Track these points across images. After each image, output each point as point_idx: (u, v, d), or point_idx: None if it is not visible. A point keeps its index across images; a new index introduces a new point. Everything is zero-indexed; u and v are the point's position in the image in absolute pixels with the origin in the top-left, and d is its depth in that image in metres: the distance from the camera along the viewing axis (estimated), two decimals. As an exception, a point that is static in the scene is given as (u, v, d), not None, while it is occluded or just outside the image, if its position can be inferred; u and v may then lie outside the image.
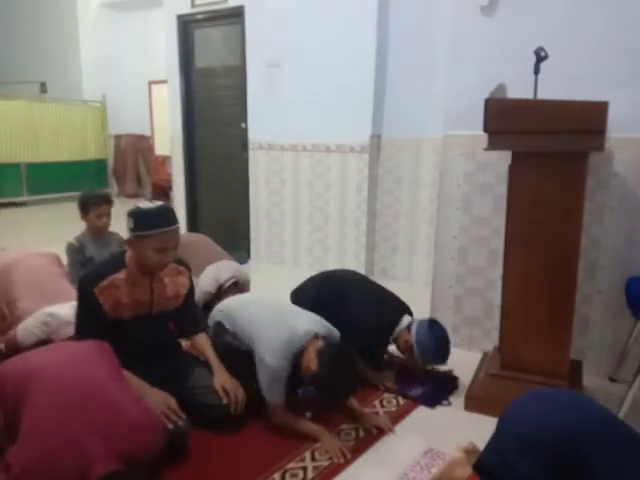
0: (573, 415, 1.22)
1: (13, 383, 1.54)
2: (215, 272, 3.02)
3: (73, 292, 2.58)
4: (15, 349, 2.22)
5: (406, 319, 2.48)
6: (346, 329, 2.24)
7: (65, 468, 1.37)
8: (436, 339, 2.37)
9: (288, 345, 2.02)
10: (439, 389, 2.42)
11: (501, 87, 2.22)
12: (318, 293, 2.62)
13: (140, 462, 1.52)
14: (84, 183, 8.61)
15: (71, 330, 2.26)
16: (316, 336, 2.08)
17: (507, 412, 1.31)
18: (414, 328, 2.39)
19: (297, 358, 2.03)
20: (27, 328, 2.29)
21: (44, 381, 1.53)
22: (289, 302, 2.51)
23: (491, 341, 2.76)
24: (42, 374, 1.55)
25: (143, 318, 2.05)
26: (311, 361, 1.99)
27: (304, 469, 1.86)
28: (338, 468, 1.87)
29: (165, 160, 7.61)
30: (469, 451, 1.60)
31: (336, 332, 2.21)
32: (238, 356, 2.15)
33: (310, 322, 2.15)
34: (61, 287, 2.59)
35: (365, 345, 2.39)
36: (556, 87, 2.23)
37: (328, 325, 2.20)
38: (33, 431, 1.42)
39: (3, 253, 2.79)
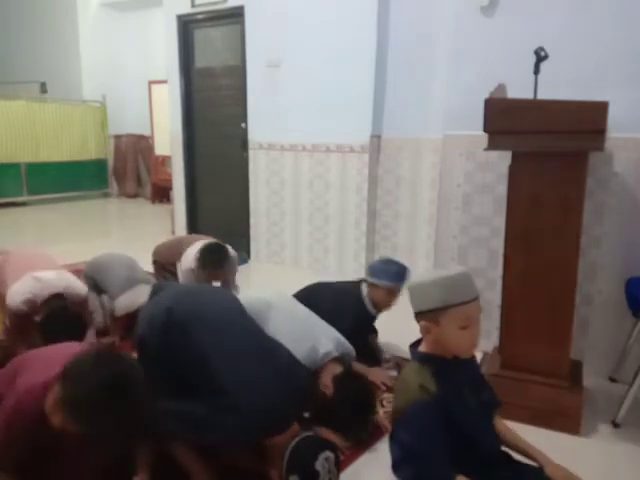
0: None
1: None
2: (195, 250, 3.11)
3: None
4: (13, 321, 2.42)
5: (364, 285, 2.61)
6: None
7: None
8: (386, 262, 2.64)
9: (305, 362, 1.93)
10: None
11: (501, 87, 2.22)
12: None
13: None
14: (84, 183, 8.66)
15: (54, 289, 2.42)
16: (335, 358, 2.07)
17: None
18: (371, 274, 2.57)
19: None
20: (13, 289, 2.40)
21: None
22: (305, 309, 2.38)
23: (491, 341, 2.75)
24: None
25: None
26: (327, 387, 1.98)
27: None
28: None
29: (165, 160, 7.61)
30: None
31: (352, 350, 2.21)
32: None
33: (330, 342, 2.11)
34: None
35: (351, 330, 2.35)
36: (556, 87, 2.23)
37: (346, 343, 2.18)
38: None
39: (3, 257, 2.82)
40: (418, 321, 1.42)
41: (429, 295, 1.37)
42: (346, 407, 1.96)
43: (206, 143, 5.23)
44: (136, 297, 2.72)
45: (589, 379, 2.43)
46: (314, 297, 2.61)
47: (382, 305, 2.59)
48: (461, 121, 2.74)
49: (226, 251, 3.16)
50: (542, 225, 2.10)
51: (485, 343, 2.82)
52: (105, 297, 2.92)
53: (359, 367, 2.35)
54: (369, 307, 2.58)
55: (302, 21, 4.19)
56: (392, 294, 2.56)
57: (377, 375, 2.42)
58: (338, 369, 2.05)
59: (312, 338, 2.08)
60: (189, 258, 3.11)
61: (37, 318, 2.37)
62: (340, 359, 2.13)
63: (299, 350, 1.92)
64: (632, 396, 2.13)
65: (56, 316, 2.34)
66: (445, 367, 1.39)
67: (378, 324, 2.89)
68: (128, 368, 1.38)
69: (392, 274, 2.53)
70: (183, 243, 3.33)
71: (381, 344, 2.77)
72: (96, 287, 2.96)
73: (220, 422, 1.52)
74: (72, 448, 1.48)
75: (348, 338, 2.24)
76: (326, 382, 2.00)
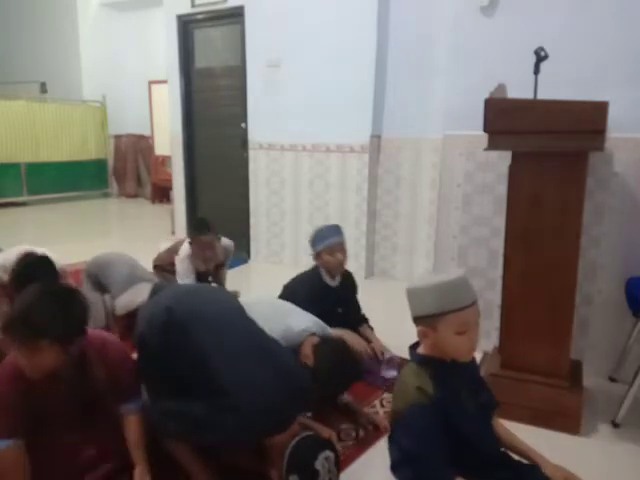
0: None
1: None
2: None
3: None
4: None
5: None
6: None
7: None
8: (316, 230, 2.75)
9: (282, 342, 1.95)
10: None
11: (501, 87, 2.22)
12: None
13: None
14: (84, 183, 8.66)
15: (24, 249, 2.51)
16: (312, 334, 2.08)
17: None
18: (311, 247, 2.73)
19: None
20: None
21: None
22: (284, 302, 2.50)
23: (491, 341, 2.75)
24: None
25: None
26: (307, 357, 1.99)
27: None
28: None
29: (165, 160, 7.61)
30: None
31: (330, 331, 2.22)
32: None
33: (306, 321, 2.15)
34: None
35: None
36: (556, 87, 2.23)
37: (323, 325, 2.21)
38: None
39: None
40: (416, 325, 1.42)
41: (425, 301, 1.36)
42: (327, 368, 1.96)
43: (206, 143, 5.23)
44: (135, 296, 2.72)
45: (589, 379, 2.43)
46: (289, 291, 2.77)
47: (332, 267, 2.70)
48: (461, 121, 2.74)
49: (208, 220, 3.27)
50: (542, 225, 2.10)
51: (485, 343, 2.82)
52: (107, 297, 2.92)
53: (337, 332, 2.35)
54: (326, 278, 2.71)
55: (302, 21, 4.19)
56: (332, 253, 2.65)
57: (354, 340, 2.41)
58: (316, 339, 2.07)
59: (287, 320, 2.13)
60: (185, 249, 3.23)
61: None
62: (319, 337, 2.15)
63: (274, 330, 1.94)
64: (632, 396, 2.13)
65: (25, 265, 2.30)
66: (443, 369, 1.39)
67: (378, 324, 2.88)
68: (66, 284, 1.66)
69: (323, 236, 2.68)
70: (179, 243, 3.43)
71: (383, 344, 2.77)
72: (98, 285, 2.95)
73: (220, 422, 1.52)
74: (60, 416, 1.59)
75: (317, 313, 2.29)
76: (306, 352, 2.01)
